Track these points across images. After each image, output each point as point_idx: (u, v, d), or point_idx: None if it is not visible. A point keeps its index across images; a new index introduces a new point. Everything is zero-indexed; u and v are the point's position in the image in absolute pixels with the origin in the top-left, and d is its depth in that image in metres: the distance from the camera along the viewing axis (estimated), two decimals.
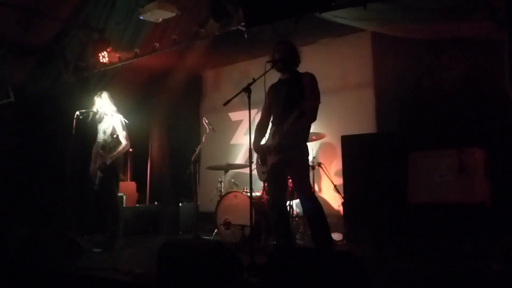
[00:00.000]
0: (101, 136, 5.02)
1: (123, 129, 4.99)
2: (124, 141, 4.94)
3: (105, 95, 5.14)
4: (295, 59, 3.78)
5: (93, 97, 5.20)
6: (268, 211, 4.09)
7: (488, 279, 2.24)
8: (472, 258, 3.74)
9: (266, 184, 4.33)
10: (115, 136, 4.94)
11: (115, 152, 4.89)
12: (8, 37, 5.47)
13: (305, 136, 3.74)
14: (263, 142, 3.95)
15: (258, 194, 5.21)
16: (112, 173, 4.91)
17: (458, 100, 5.01)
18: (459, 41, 4.89)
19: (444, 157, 4.53)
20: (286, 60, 3.71)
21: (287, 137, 3.59)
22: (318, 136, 5.35)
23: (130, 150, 5.19)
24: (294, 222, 5.10)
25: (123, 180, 6.83)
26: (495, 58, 4.70)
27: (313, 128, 4.92)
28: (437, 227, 4.33)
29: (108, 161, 4.85)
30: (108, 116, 5.04)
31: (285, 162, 3.65)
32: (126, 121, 5.08)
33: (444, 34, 4.61)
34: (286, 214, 3.94)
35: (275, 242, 4.47)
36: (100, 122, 5.11)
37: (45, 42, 5.75)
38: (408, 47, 5.31)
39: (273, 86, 3.88)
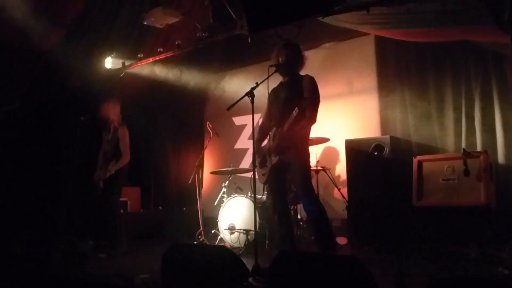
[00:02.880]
0: (104, 145, 5.03)
1: (126, 142, 4.98)
2: (123, 153, 4.93)
3: (114, 102, 5.14)
4: (299, 63, 3.78)
5: (101, 103, 5.20)
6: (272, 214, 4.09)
7: (495, 283, 2.22)
8: (478, 261, 3.72)
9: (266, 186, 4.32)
10: (117, 146, 4.94)
11: (116, 165, 4.88)
12: (13, 44, 5.51)
13: (305, 138, 3.73)
14: (264, 143, 3.95)
15: (262, 198, 5.20)
16: (113, 182, 4.91)
17: (463, 103, 5.00)
18: (462, 44, 4.89)
19: (448, 161, 4.52)
20: (290, 64, 3.72)
21: (287, 139, 3.58)
22: (322, 140, 5.34)
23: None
24: (298, 226, 5.09)
25: (127, 185, 6.84)
26: (499, 61, 4.70)
27: (317, 132, 4.93)
28: (442, 230, 4.32)
29: (108, 174, 4.84)
30: (114, 125, 5.04)
31: (285, 164, 3.65)
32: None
33: (447, 37, 4.61)
34: (288, 216, 3.92)
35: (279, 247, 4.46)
36: (105, 129, 5.11)
37: (50, 48, 5.78)
38: (411, 50, 5.32)
39: (273, 90, 3.88)
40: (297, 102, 3.51)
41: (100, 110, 5.13)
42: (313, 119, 3.60)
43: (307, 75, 3.72)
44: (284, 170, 3.69)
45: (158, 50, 5.79)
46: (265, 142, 3.95)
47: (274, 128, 3.78)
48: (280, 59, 3.72)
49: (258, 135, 3.96)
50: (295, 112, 3.48)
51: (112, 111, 5.09)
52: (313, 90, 3.61)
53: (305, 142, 3.72)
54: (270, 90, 3.82)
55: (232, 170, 5.70)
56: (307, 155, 3.69)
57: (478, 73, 4.88)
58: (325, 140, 5.37)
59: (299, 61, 3.78)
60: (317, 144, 5.34)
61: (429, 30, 4.32)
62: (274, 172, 3.71)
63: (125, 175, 5.07)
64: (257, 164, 3.88)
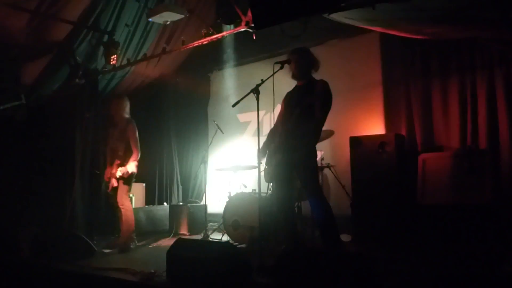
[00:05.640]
0: (113, 141, 4.99)
1: (136, 138, 4.92)
2: (134, 150, 4.87)
3: (122, 99, 5.08)
4: (313, 67, 3.77)
5: (110, 100, 5.16)
6: (276, 211, 4.09)
7: (499, 281, 2.22)
8: (482, 259, 3.72)
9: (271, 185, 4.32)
10: (127, 142, 4.88)
11: (131, 164, 4.82)
12: (19, 39, 5.53)
13: (315, 138, 3.72)
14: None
15: (267, 195, 5.20)
16: (124, 181, 4.88)
17: (468, 101, 4.98)
18: (468, 41, 4.86)
19: (453, 159, 4.51)
20: (303, 69, 3.72)
21: (293, 137, 3.58)
22: (327, 135, 5.29)
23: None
24: (302, 223, 5.09)
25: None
26: (504, 59, 4.68)
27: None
28: (446, 228, 4.32)
29: (127, 175, 4.78)
30: (123, 122, 4.98)
31: (292, 163, 3.64)
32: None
33: (453, 34, 4.59)
34: (293, 214, 3.92)
35: (283, 243, 4.47)
36: (112, 126, 5.09)
37: (56, 44, 5.80)
38: (416, 48, 5.30)
39: (288, 94, 3.89)
40: (308, 106, 3.52)
41: (109, 106, 5.07)
42: (321, 122, 3.60)
43: (321, 80, 3.70)
44: (290, 168, 3.68)
45: (163, 46, 5.80)
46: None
47: (281, 127, 3.77)
48: (299, 64, 3.70)
49: (268, 136, 3.94)
50: (297, 109, 3.50)
51: (121, 107, 5.01)
52: (324, 93, 3.60)
53: (313, 141, 3.71)
54: (276, 87, 3.81)
55: (236, 166, 5.70)
56: (314, 155, 3.68)
57: (484, 70, 4.86)
58: (330, 133, 5.32)
59: (312, 65, 3.77)
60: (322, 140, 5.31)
61: (435, 27, 4.31)
62: (280, 170, 3.71)
63: (134, 173, 5.04)
64: (263, 162, 3.87)
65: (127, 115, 5.03)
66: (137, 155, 4.90)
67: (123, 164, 4.81)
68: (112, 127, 5.09)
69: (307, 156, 3.64)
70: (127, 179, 4.87)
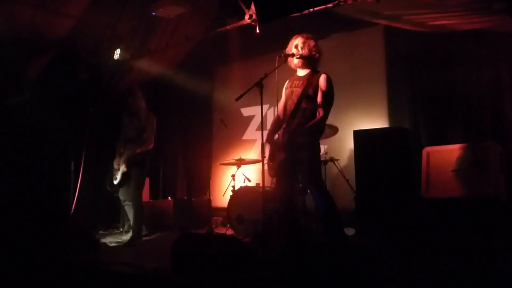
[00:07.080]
0: (129, 131, 4.94)
1: (153, 129, 4.90)
2: (147, 139, 4.84)
3: (139, 91, 5.07)
4: (313, 55, 3.71)
5: (125, 93, 5.13)
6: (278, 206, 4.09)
7: (504, 275, 2.22)
8: (487, 252, 3.71)
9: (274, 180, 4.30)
10: (143, 132, 4.85)
11: (143, 148, 4.78)
12: (22, 34, 5.53)
13: (318, 134, 3.71)
14: (276, 136, 3.93)
15: (271, 188, 5.20)
16: (139, 171, 4.86)
17: (473, 94, 4.95)
18: (473, 34, 4.83)
19: (458, 152, 4.50)
20: (302, 56, 3.67)
21: (298, 135, 3.57)
22: (332, 131, 5.28)
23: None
24: (306, 217, 5.10)
25: None
26: (510, 51, 4.65)
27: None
28: (451, 221, 4.31)
29: (137, 155, 4.75)
30: (143, 112, 4.95)
31: (296, 161, 3.62)
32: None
33: (459, 26, 4.56)
34: (294, 209, 3.91)
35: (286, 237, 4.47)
36: (130, 115, 5.03)
37: (59, 39, 5.80)
38: (421, 40, 5.27)
39: (290, 82, 3.82)
40: (311, 100, 3.51)
41: (128, 98, 5.01)
42: (324, 119, 3.59)
43: (325, 74, 3.64)
44: (295, 164, 3.67)
45: (166, 41, 5.79)
46: (276, 136, 3.93)
47: (285, 123, 3.73)
48: (294, 50, 3.66)
49: (272, 127, 3.91)
50: (304, 111, 3.50)
51: (140, 98, 4.99)
52: (328, 90, 3.57)
53: (316, 139, 3.69)
54: (280, 80, 3.77)
55: (240, 160, 5.71)
56: (318, 151, 3.66)
57: (489, 62, 4.84)
58: (334, 130, 5.31)
59: (313, 53, 3.71)
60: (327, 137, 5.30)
61: (441, 19, 4.28)
62: (282, 167, 3.69)
63: (147, 168, 5.01)
64: (267, 156, 3.86)
65: (145, 106, 5.01)
66: (150, 144, 4.86)
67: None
68: (128, 117, 5.04)
69: (312, 152, 3.62)
70: (138, 170, 4.82)
